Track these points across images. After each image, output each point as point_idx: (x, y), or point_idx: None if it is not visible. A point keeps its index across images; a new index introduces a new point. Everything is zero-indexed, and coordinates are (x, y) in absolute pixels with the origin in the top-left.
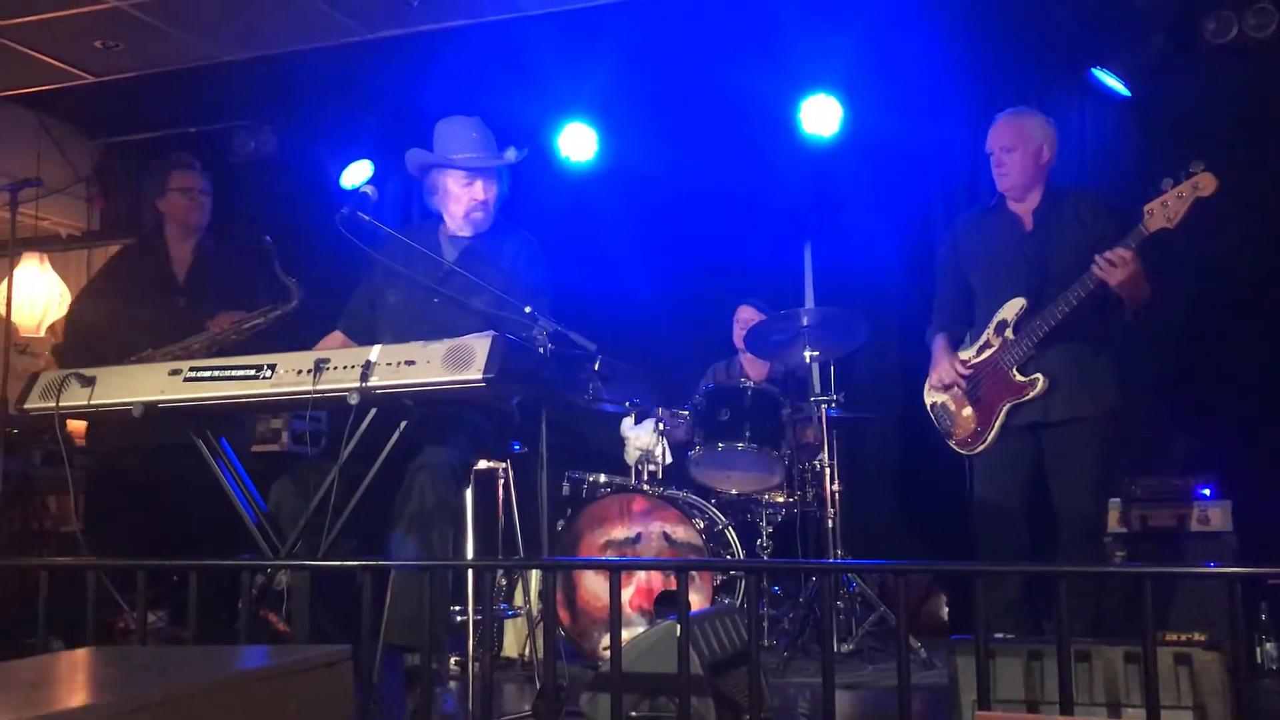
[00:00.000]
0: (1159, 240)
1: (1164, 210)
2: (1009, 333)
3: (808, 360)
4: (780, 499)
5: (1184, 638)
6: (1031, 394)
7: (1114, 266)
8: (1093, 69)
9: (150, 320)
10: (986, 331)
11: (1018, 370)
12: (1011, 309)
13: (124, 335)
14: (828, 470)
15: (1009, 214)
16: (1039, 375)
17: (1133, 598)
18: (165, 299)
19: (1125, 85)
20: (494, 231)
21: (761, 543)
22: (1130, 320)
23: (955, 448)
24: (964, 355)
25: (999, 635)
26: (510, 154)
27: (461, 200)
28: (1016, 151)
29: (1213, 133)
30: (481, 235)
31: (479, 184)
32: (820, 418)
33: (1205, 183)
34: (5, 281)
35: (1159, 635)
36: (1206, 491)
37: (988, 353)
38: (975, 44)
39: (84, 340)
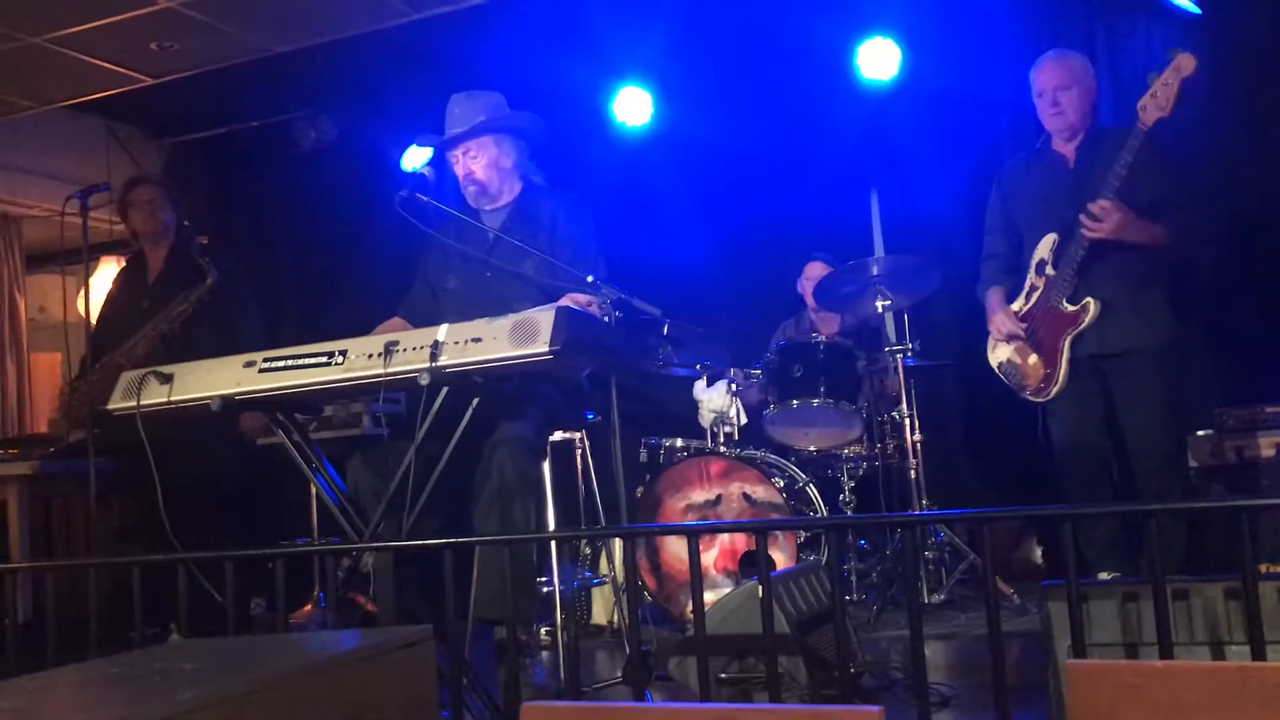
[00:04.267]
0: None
1: (1154, 101)
2: (1049, 270)
3: (880, 310)
4: (860, 452)
5: None
6: (1086, 319)
7: (1099, 221)
8: None
9: (125, 322)
10: (1029, 275)
11: (1067, 301)
12: (1046, 246)
13: (111, 337)
14: (907, 420)
15: (1054, 155)
16: (1089, 299)
17: (1230, 532)
18: (136, 302)
19: (1194, 3)
20: (530, 195)
21: (844, 498)
22: (1158, 261)
23: (1031, 398)
24: (1014, 307)
25: (1101, 575)
26: (468, 124)
27: (459, 176)
28: (1074, 89)
29: None
30: (519, 201)
31: (460, 158)
32: (897, 368)
33: (1185, 63)
34: (83, 288)
35: (1259, 568)
36: None
37: (1035, 295)
38: None
39: (94, 344)
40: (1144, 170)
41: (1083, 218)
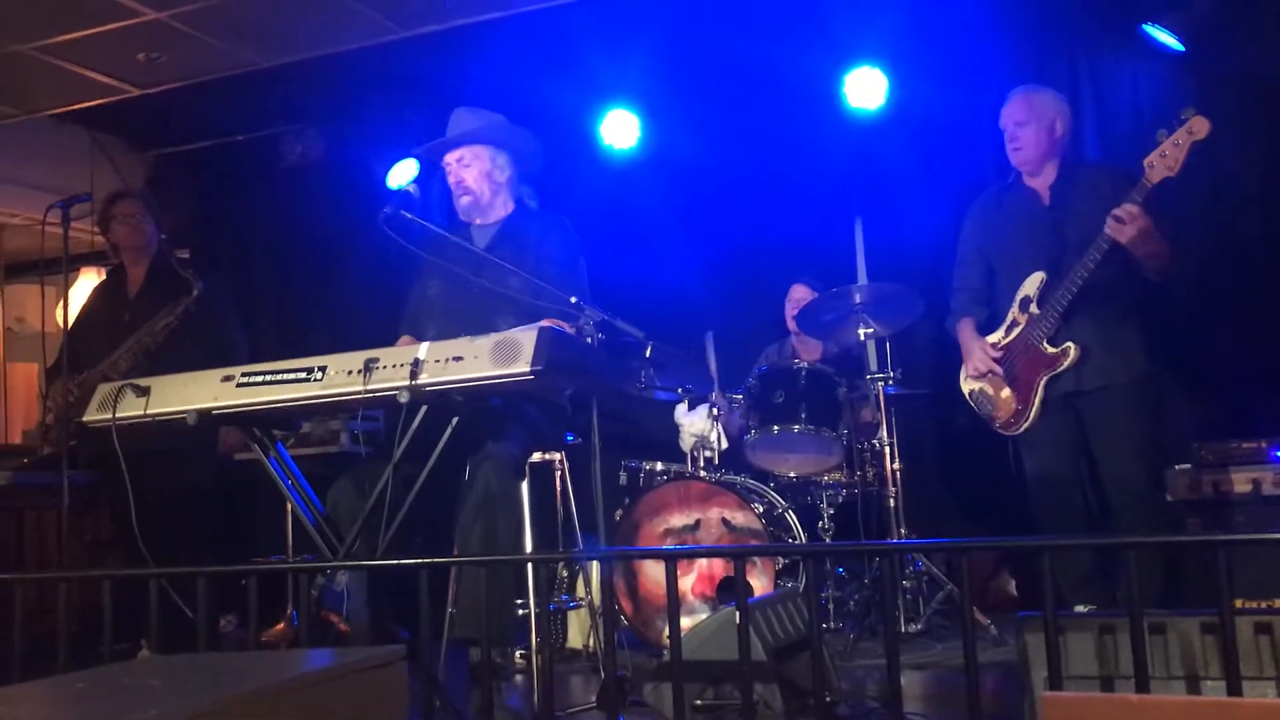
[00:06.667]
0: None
1: (1163, 161)
2: (1033, 308)
3: (861, 338)
4: (840, 479)
5: (1264, 604)
6: (1065, 363)
7: (1123, 224)
8: (1144, 25)
9: (102, 336)
10: (1011, 310)
11: (1048, 343)
12: (1032, 284)
13: (85, 351)
14: (887, 449)
15: (1026, 190)
16: (1070, 344)
17: (1208, 566)
18: (116, 316)
19: (1178, 40)
20: (522, 216)
21: (823, 525)
22: (1154, 280)
23: (1000, 431)
24: (993, 339)
25: (1077, 609)
26: (461, 128)
27: (451, 185)
28: (1030, 125)
29: (1273, 87)
30: (509, 220)
31: (453, 167)
32: (878, 396)
33: (1199, 126)
34: (63, 299)
35: (1235, 603)
36: None
37: (1016, 331)
38: (1020, 6)
39: (71, 357)
40: None
41: (1110, 218)
